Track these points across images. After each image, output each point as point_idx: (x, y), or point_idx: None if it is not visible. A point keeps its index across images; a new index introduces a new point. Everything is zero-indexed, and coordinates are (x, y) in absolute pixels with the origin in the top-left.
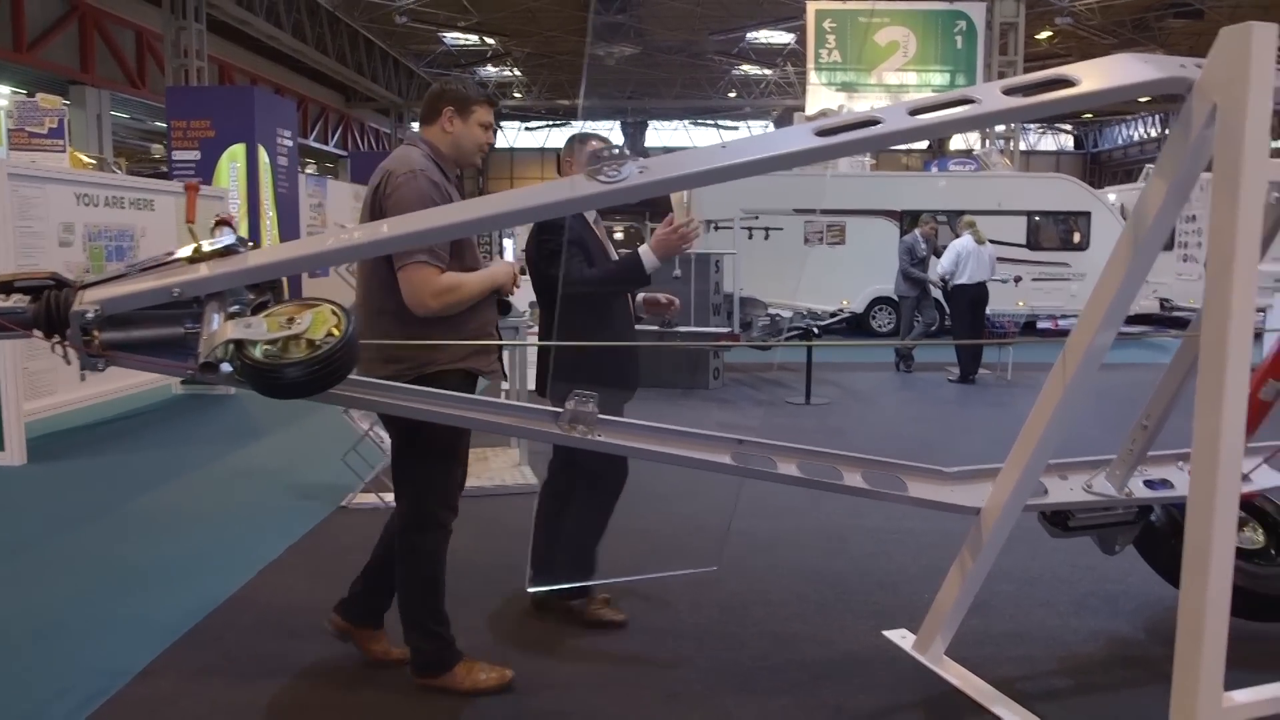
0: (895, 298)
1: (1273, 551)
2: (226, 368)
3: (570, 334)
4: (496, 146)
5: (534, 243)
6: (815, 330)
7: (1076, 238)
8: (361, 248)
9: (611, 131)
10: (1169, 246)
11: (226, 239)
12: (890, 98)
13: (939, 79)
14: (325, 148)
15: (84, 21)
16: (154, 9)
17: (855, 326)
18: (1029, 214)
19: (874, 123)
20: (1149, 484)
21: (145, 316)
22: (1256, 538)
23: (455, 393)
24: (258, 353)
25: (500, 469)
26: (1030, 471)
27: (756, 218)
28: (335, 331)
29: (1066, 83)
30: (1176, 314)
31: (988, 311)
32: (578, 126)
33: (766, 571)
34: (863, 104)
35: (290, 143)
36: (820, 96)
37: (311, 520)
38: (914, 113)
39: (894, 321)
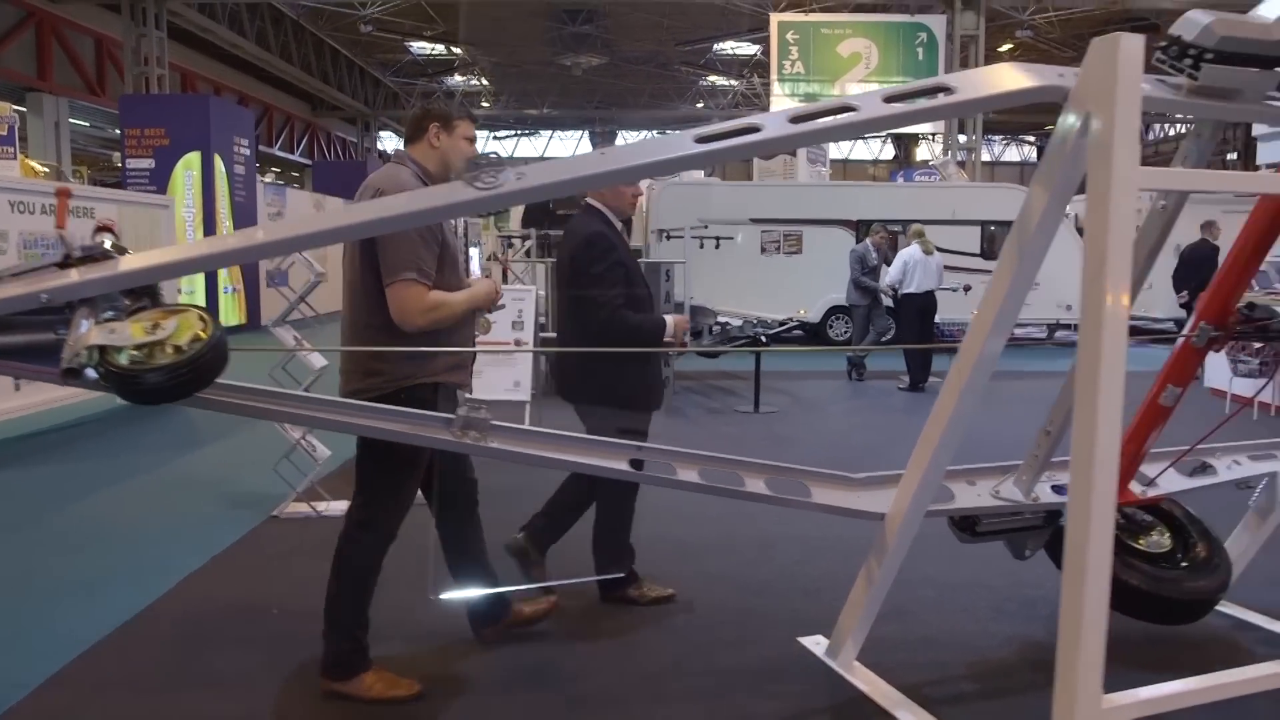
0: (848, 306)
1: (1179, 555)
2: (92, 374)
3: (610, 359)
4: None
5: (582, 258)
6: (763, 339)
7: None
8: (234, 253)
9: (580, 141)
10: None
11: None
12: None
13: None
14: (291, 156)
15: (41, 28)
16: (114, 16)
17: (813, 336)
18: (983, 223)
19: (753, 130)
20: (1055, 489)
21: (17, 322)
22: (1163, 541)
23: (348, 400)
24: (123, 359)
25: None
26: (930, 477)
27: (706, 227)
28: (201, 336)
29: (945, 90)
30: None
31: (938, 320)
32: (548, 136)
33: (692, 579)
34: None
35: (248, 151)
36: (784, 107)
37: (241, 529)
38: (794, 120)
39: (850, 331)
